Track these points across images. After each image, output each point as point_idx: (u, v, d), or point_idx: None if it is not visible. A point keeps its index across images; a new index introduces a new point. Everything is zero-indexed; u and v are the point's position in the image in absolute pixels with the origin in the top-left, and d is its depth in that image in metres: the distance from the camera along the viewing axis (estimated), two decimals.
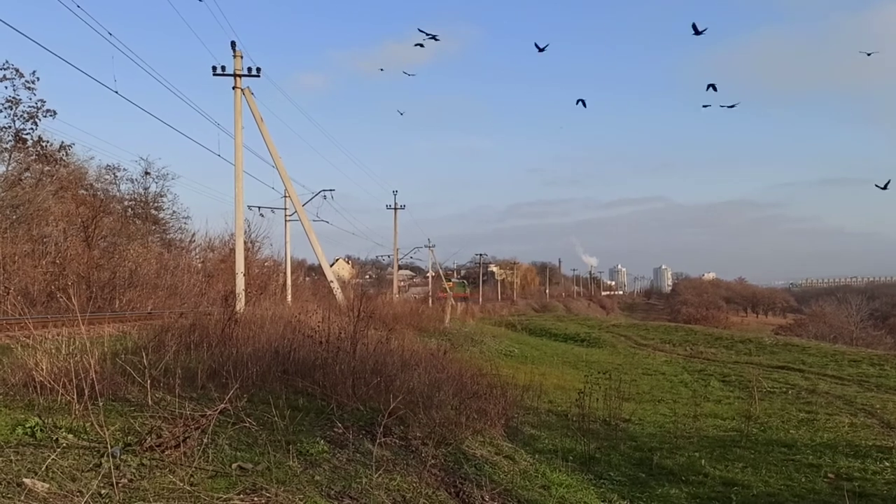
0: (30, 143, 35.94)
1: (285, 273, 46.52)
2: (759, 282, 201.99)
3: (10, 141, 34.96)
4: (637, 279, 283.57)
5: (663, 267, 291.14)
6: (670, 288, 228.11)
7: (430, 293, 78.42)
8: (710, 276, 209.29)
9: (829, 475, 10.00)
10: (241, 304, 21.40)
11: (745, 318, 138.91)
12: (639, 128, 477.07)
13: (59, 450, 5.26)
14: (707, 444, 11.89)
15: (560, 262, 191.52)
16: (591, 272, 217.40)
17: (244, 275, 27.19)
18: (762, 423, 14.15)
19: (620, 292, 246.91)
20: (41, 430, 5.90)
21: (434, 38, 14.36)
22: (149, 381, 7.29)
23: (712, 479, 9.62)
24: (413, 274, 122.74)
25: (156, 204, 49.35)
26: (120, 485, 4.77)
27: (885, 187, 12.13)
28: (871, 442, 12.40)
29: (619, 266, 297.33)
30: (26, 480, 4.56)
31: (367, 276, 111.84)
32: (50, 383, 7.08)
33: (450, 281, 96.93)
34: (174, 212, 50.34)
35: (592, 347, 39.18)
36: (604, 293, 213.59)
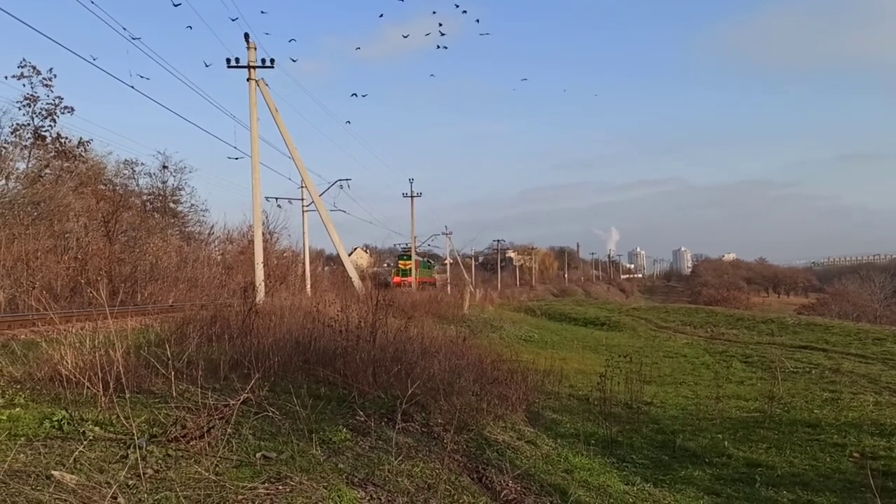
0: (49, 139, 36.33)
1: (304, 263, 46.76)
2: (780, 261, 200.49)
3: (29, 138, 35.39)
4: (656, 262, 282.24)
5: (682, 249, 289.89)
6: (690, 270, 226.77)
7: (449, 280, 77.94)
8: (730, 256, 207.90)
9: (854, 454, 9.91)
10: (260, 295, 21.54)
11: (766, 298, 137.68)
12: (650, 109, 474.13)
13: (86, 442, 5.33)
14: (730, 426, 11.83)
15: (578, 246, 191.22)
16: (609, 255, 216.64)
17: (263, 266, 27.35)
18: (785, 404, 14.04)
19: (640, 275, 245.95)
20: (68, 423, 5.98)
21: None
22: (172, 373, 7.37)
23: (736, 461, 9.57)
24: (434, 262, 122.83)
25: (174, 197, 49.82)
26: (147, 475, 4.83)
27: None
28: None
29: (638, 249, 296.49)
30: (55, 473, 4.63)
31: (386, 265, 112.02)
32: (76, 377, 7.18)
33: (407, 259, 71.76)
34: (192, 205, 50.85)
35: (612, 331, 39.02)
36: (623, 276, 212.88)
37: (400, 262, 74.57)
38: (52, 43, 53.50)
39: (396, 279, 68.09)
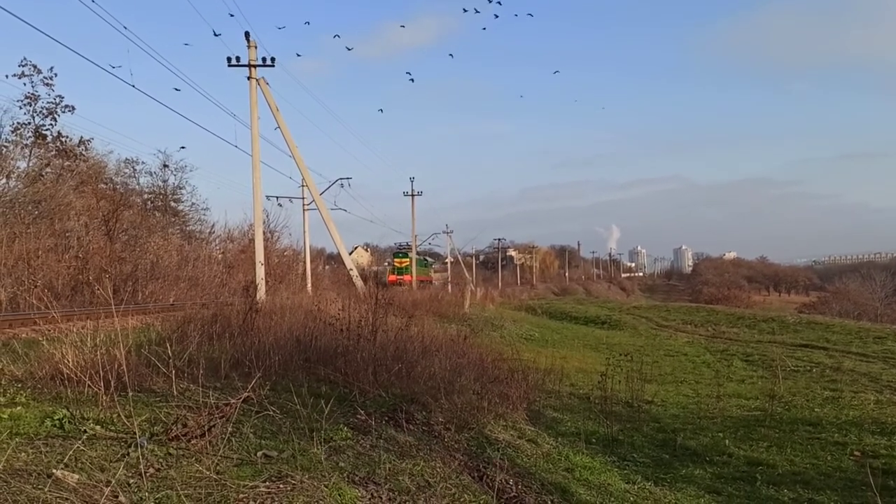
0: (49, 138, 36.33)
1: (304, 262, 46.79)
2: (780, 260, 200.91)
3: (30, 137, 35.37)
4: (657, 260, 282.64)
5: (683, 247, 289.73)
6: (691, 268, 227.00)
7: (450, 279, 77.71)
8: (730, 255, 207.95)
9: (856, 453, 9.90)
10: (261, 294, 21.55)
11: (767, 297, 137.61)
12: (650, 107, 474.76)
13: (87, 441, 5.34)
14: (731, 425, 11.83)
15: (579, 244, 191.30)
16: (610, 253, 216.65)
17: (264, 265, 27.36)
18: (786, 402, 14.03)
19: (640, 274, 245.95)
20: (69, 421, 5.99)
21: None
22: (173, 372, 7.38)
23: (736, 459, 9.57)
24: (432, 260, 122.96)
25: (175, 196, 49.88)
26: (147, 474, 4.83)
27: None
28: None
29: (639, 247, 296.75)
30: (56, 471, 4.63)
31: (386, 263, 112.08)
32: (77, 375, 7.18)
33: (403, 257, 69.42)
34: (193, 203, 50.94)
35: (613, 330, 39.01)
36: (624, 275, 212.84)
37: (395, 259, 73.16)
38: (53, 42, 53.71)
39: (392, 277, 66.67)
